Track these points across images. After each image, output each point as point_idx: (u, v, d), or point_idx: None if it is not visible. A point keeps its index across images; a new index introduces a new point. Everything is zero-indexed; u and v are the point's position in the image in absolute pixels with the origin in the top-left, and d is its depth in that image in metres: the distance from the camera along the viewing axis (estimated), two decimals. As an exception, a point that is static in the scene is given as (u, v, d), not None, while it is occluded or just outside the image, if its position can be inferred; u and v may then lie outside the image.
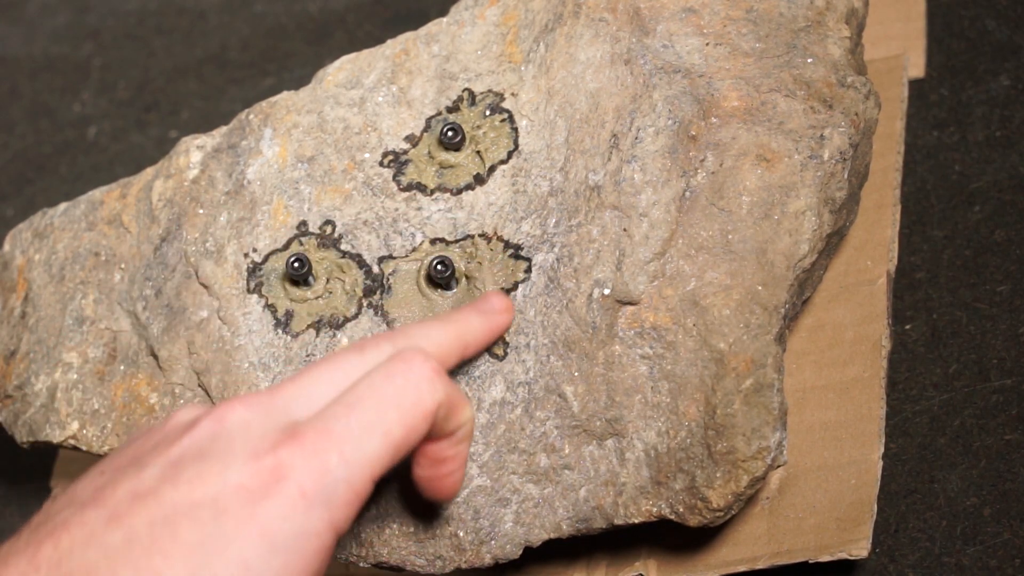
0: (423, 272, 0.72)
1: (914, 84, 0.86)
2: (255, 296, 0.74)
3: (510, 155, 0.73)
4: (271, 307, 0.73)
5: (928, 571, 0.71)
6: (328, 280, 0.73)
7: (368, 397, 0.58)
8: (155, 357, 0.75)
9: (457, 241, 0.72)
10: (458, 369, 0.70)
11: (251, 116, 0.78)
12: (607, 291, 0.69)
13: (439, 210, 0.73)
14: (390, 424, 0.58)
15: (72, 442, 0.75)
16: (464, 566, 0.69)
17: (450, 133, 0.73)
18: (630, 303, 0.69)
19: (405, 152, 0.75)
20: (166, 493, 0.55)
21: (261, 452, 0.56)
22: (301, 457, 0.56)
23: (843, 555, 0.70)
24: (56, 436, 0.76)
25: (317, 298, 0.73)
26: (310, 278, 0.73)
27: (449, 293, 0.72)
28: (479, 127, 0.74)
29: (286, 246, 0.74)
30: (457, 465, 0.64)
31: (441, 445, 0.63)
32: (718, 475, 0.66)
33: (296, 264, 0.72)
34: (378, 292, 0.72)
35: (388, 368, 0.59)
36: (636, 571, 0.73)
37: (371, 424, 0.57)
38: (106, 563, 0.54)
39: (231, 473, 0.56)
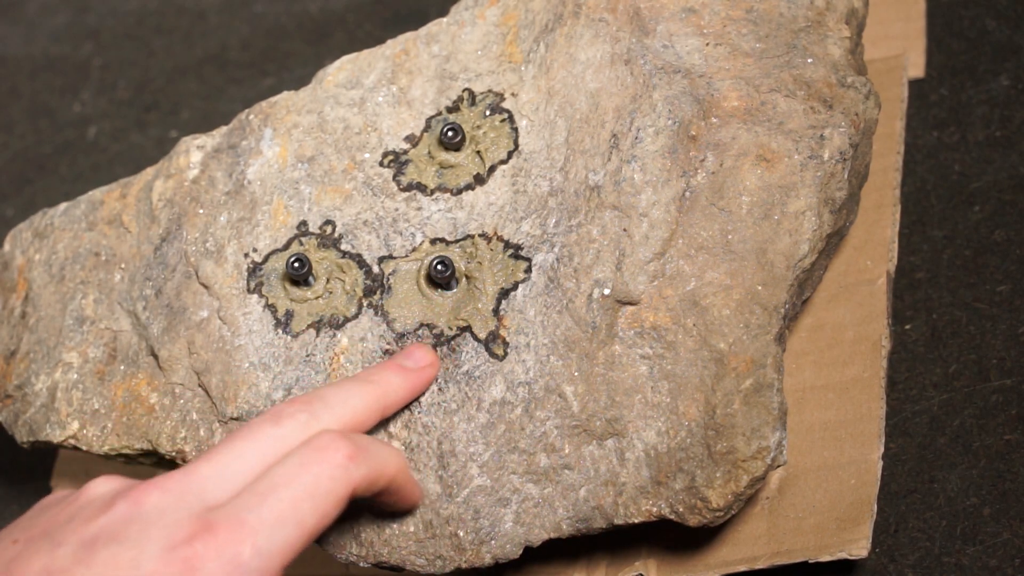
0: (423, 272, 0.72)
1: (914, 84, 0.86)
2: (255, 296, 0.74)
3: (510, 155, 0.73)
4: (271, 307, 0.73)
5: (928, 571, 0.71)
6: (328, 280, 0.73)
7: (283, 486, 0.59)
8: (155, 357, 0.75)
9: (457, 241, 0.72)
10: (456, 370, 0.70)
11: (251, 116, 0.78)
12: (607, 291, 0.69)
13: (439, 210, 0.73)
14: (304, 514, 0.59)
15: (72, 442, 0.75)
16: (464, 566, 0.69)
17: (450, 133, 0.73)
18: (630, 303, 0.69)
19: (405, 152, 0.75)
20: (79, 575, 0.56)
21: (175, 542, 0.57)
22: (214, 548, 0.57)
23: (843, 555, 0.70)
24: (56, 436, 0.76)
25: (317, 298, 0.73)
26: (310, 278, 0.73)
27: (449, 293, 0.72)
28: (479, 127, 0.74)
29: (286, 246, 0.74)
30: (397, 500, 0.66)
31: (377, 498, 0.65)
32: (718, 475, 0.66)
33: (296, 264, 0.72)
34: (378, 292, 0.73)
35: (303, 456, 0.60)
36: (636, 571, 0.73)
37: (285, 514, 0.59)
38: None
39: (145, 561, 0.56)
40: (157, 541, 0.57)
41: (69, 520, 0.58)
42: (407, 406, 0.70)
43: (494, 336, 0.70)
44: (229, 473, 0.60)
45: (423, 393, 0.70)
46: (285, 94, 0.78)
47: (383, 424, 0.70)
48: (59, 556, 0.56)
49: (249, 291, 0.74)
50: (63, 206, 0.80)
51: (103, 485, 0.60)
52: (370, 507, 0.68)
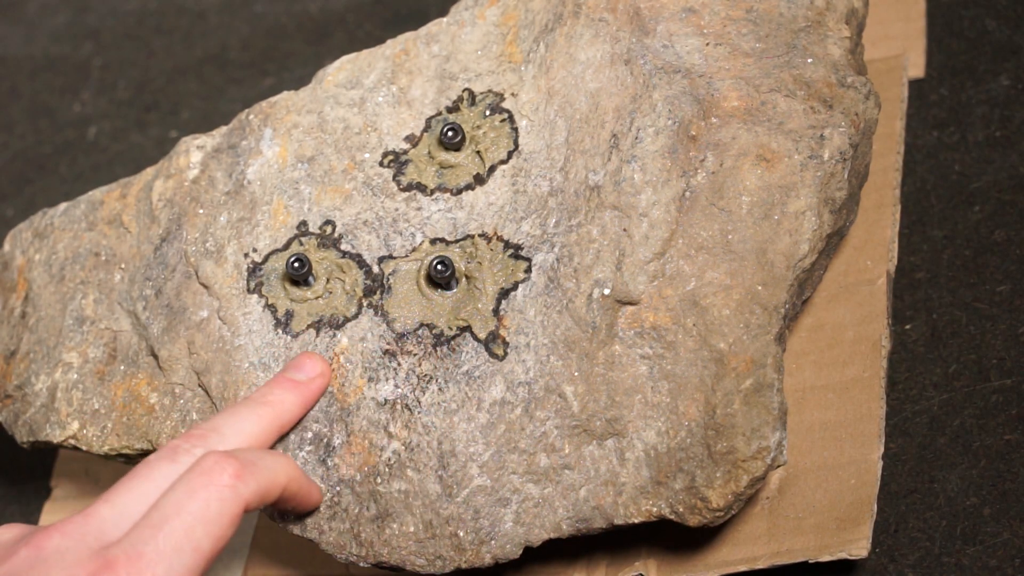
0: (423, 272, 0.72)
1: (914, 84, 0.86)
2: (255, 296, 0.74)
3: (510, 155, 0.73)
4: (271, 307, 0.73)
5: (928, 571, 0.71)
6: (328, 280, 0.73)
7: (174, 515, 0.61)
8: (155, 357, 0.75)
9: (457, 241, 0.72)
10: (456, 370, 0.70)
11: (251, 116, 0.78)
12: (607, 291, 0.69)
13: (439, 210, 0.73)
14: (198, 540, 0.61)
15: (72, 442, 0.75)
16: (464, 566, 0.69)
17: (450, 133, 0.73)
18: (630, 303, 0.69)
19: (405, 152, 0.75)
20: None
21: None
22: None
23: (843, 555, 0.70)
24: (56, 436, 0.76)
25: (317, 298, 0.73)
26: (310, 278, 0.73)
27: (449, 293, 0.72)
28: (479, 127, 0.74)
29: (286, 246, 0.74)
30: (295, 505, 0.68)
31: (274, 505, 0.67)
32: (718, 475, 0.66)
33: (296, 264, 0.72)
34: (378, 292, 0.73)
35: (190, 482, 0.62)
36: (636, 571, 0.73)
37: (180, 542, 0.60)
38: None
39: None
40: None
41: None
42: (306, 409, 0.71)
43: (494, 336, 0.70)
44: (126, 511, 0.62)
45: (315, 405, 0.71)
46: (285, 94, 0.78)
47: (384, 425, 0.70)
48: None
49: (249, 291, 0.74)
50: (63, 206, 0.80)
51: (5, 533, 0.62)
52: (271, 513, 0.70)
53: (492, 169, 0.73)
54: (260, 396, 0.69)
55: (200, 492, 0.61)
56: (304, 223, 0.74)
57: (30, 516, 0.88)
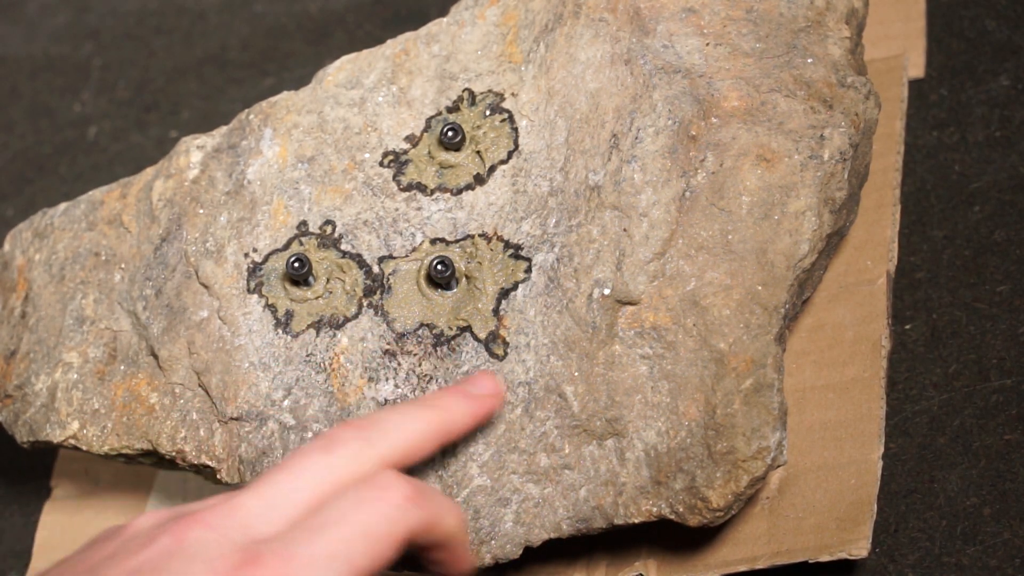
0: (423, 272, 0.72)
1: (914, 84, 0.86)
2: (255, 296, 0.74)
3: (510, 155, 0.73)
4: (271, 307, 0.73)
5: (928, 571, 0.71)
6: (328, 280, 0.73)
7: (336, 523, 0.56)
8: (155, 357, 0.75)
9: (457, 241, 0.72)
10: (456, 370, 0.70)
11: (251, 116, 0.78)
12: (607, 291, 0.69)
13: (439, 210, 0.73)
14: (355, 554, 0.56)
15: (72, 442, 0.75)
16: (464, 566, 0.69)
17: (450, 133, 0.73)
18: (630, 303, 0.69)
19: (405, 152, 0.75)
20: None
21: (219, 574, 0.54)
22: None
23: (843, 555, 0.70)
24: (56, 436, 0.76)
25: (317, 298, 0.73)
26: (310, 278, 0.73)
27: (449, 293, 0.72)
28: (479, 127, 0.74)
29: (286, 246, 0.74)
30: (449, 559, 0.62)
31: (429, 552, 0.61)
32: (718, 475, 0.66)
33: (296, 264, 0.72)
34: (378, 292, 0.73)
35: (360, 493, 0.57)
36: (636, 571, 0.73)
37: (336, 553, 0.56)
38: None
39: None
40: (200, 575, 0.55)
41: (113, 555, 0.56)
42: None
43: (494, 336, 0.70)
44: (275, 505, 0.57)
45: (485, 424, 0.67)
46: (285, 94, 0.78)
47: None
48: None
49: (249, 291, 0.74)
50: (63, 206, 0.80)
51: (147, 520, 0.58)
52: (415, 564, 0.64)
53: (492, 169, 0.73)
54: (430, 399, 0.64)
55: (368, 505, 0.57)
56: (304, 223, 0.75)
57: (30, 516, 0.88)
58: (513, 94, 0.74)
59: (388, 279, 0.73)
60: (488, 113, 0.74)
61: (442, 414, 0.63)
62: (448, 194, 0.73)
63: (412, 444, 0.61)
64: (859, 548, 0.69)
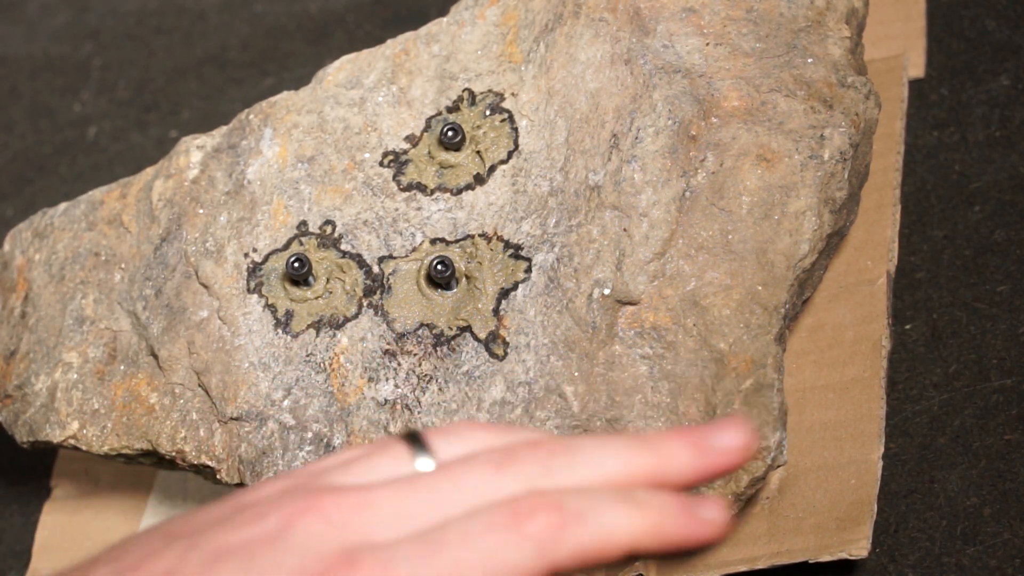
0: (423, 272, 0.72)
1: (914, 84, 0.86)
2: (255, 296, 0.74)
3: (510, 155, 0.73)
4: (271, 307, 0.73)
5: (928, 571, 0.71)
6: (328, 280, 0.73)
7: (454, 543, 0.48)
8: (155, 357, 0.75)
9: (457, 241, 0.72)
10: (456, 370, 0.70)
11: (251, 116, 0.78)
12: (607, 291, 0.69)
13: (439, 210, 0.73)
14: None
15: (72, 442, 0.75)
16: (464, 566, 0.69)
17: (450, 133, 0.73)
18: (630, 303, 0.69)
19: (405, 152, 0.75)
20: None
21: (307, 574, 0.48)
22: None
23: (843, 555, 0.70)
24: (56, 436, 0.76)
25: (317, 298, 0.73)
26: (310, 278, 0.73)
27: (449, 293, 0.72)
28: (479, 127, 0.74)
29: (286, 246, 0.74)
30: (669, 550, 0.50)
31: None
32: (718, 475, 0.66)
33: (296, 264, 0.72)
34: (378, 292, 0.73)
35: (492, 515, 0.49)
36: (636, 571, 0.73)
37: (445, 574, 0.48)
38: None
39: None
40: (288, 571, 0.48)
41: (219, 523, 0.51)
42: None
43: (494, 336, 0.70)
44: (414, 515, 0.50)
45: (715, 481, 0.57)
46: (285, 94, 0.78)
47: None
48: (186, 561, 0.49)
49: (249, 291, 0.74)
50: (63, 206, 0.80)
51: (276, 485, 0.51)
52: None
53: (492, 169, 0.73)
54: (649, 438, 0.51)
55: (497, 533, 0.48)
56: (304, 223, 0.75)
57: (30, 516, 0.88)
58: (513, 94, 0.74)
59: (388, 279, 0.73)
60: (488, 113, 0.74)
61: (657, 458, 0.51)
62: (448, 194, 0.73)
63: (603, 487, 0.50)
64: (859, 548, 0.69)
